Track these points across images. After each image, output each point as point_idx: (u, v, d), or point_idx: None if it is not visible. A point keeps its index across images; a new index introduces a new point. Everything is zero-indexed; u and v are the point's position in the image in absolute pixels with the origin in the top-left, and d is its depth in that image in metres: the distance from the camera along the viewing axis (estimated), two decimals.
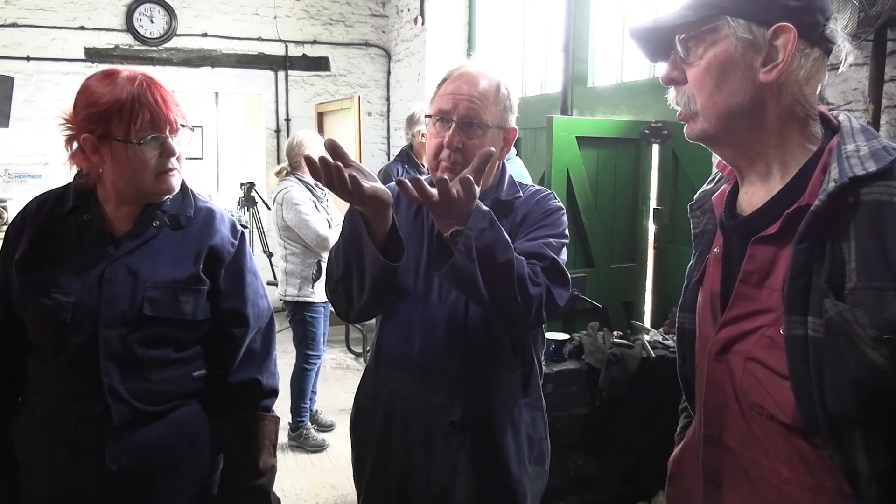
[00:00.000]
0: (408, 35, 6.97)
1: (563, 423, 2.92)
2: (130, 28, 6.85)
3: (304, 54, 7.41)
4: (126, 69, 1.55)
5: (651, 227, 4.01)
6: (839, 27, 1.05)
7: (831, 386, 0.95)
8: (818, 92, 1.08)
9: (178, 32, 7.00)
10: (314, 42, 7.44)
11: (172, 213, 1.62)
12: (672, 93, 1.14)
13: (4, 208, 5.69)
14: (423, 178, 1.74)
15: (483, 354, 1.64)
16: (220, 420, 1.65)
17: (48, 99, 6.67)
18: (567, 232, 1.69)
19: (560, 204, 1.72)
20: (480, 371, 1.64)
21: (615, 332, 3.25)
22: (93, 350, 1.49)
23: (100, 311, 1.50)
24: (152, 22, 6.90)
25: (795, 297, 0.99)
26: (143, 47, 6.91)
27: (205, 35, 7.09)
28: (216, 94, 7.78)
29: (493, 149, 1.41)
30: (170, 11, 6.93)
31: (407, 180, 1.31)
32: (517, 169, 3.52)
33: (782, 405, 1.03)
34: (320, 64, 7.48)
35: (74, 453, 1.51)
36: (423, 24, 6.49)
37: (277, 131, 7.41)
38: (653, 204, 4.02)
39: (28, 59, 6.60)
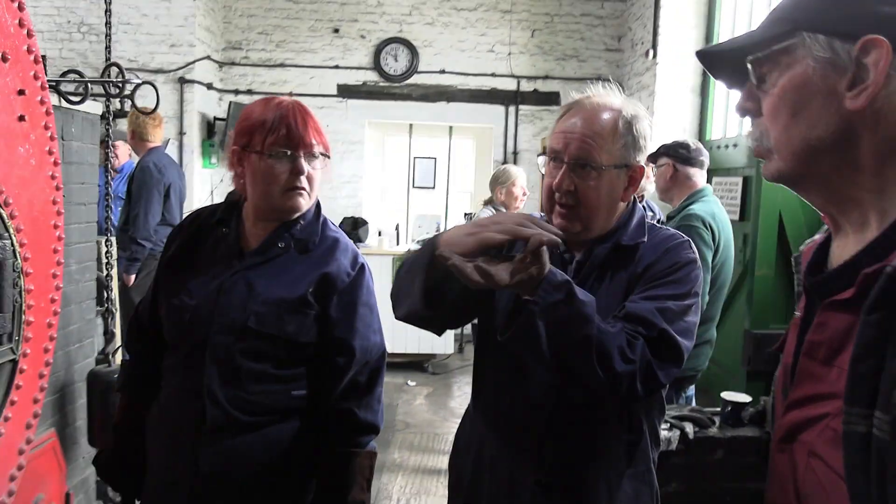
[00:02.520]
0: (640, 69, 6.76)
1: (734, 495, 2.58)
2: (377, 66, 7.43)
3: (535, 89, 7.50)
4: (285, 97, 1.67)
5: None
6: None
7: None
8: None
9: (418, 70, 7.46)
10: (546, 77, 7.50)
11: (300, 237, 1.67)
12: (749, 126, 0.94)
13: None
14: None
15: (577, 415, 1.48)
16: (316, 447, 1.66)
17: None
18: (698, 290, 1.46)
19: (694, 256, 1.49)
20: (573, 432, 1.48)
21: None
22: (202, 352, 1.59)
23: (213, 317, 1.60)
24: (396, 60, 7.43)
25: (859, 383, 0.75)
26: (386, 84, 7.46)
27: (442, 72, 7.47)
28: (450, 127, 8.13)
29: (541, 236, 1.24)
30: (412, 50, 7.42)
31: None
32: (709, 209, 3.19)
33: None
34: (550, 98, 7.52)
35: (176, 450, 1.61)
36: (654, 57, 6.25)
37: (505, 164, 7.55)
38: None
39: (291, 95, 7.41)
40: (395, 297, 1.46)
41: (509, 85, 7.50)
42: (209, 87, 7.05)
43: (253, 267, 1.65)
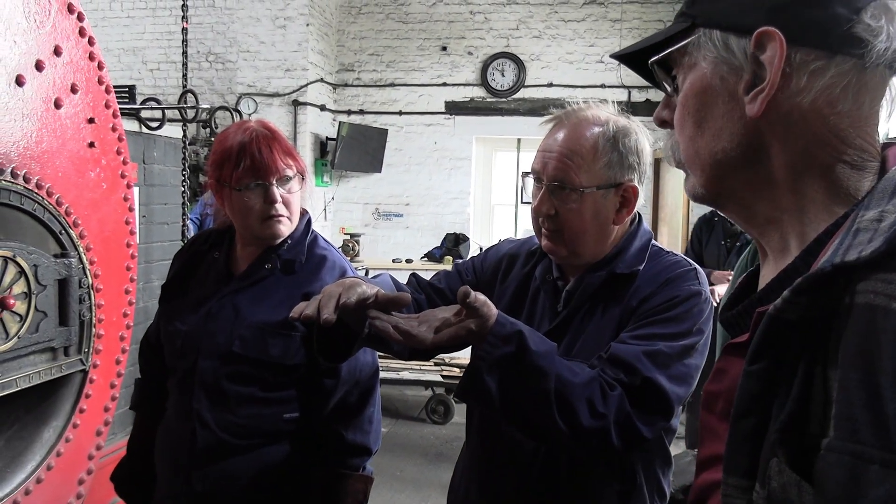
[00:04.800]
0: None
1: None
2: (484, 82, 7.45)
3: (647, 99, 7.24)
4: (253, 120, 1.68)
5: None
6: (887, 19, 0.64)
7: None
8: (877, 122, 0.67)
9: (525, 84, 7.41)
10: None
11: (287, 257, 1.67)
12: (665, 137, 0.81)
13: (357, 242, 6.56)
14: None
15: (559, 459, 1.36)
16: (308, 469, 1.64)
17: (413, 147, 7.59)
18: (703, 327, 1.30)
19: (698, 288, 1.33)
20: (557, 473, 1.36)
21: None
22: (192, 377, 1.62)
23: (202, 342, 1.62)
24: (503, 75, 7.42)
25: (738, 448, 0.62)
26: (493, 99, 7.47)
27: (550, 85, 7.38)
28: None
29: (468, 288, 1.14)
30: (519, 65, 7.38)
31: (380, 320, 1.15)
32: None
33: None
34: None
35: (174, 469, 1.65)
36: None
37: None
38: None
39: (400, 113, 7.60)
40: None
41: (620, 96, 7.28)
42: (322, 108, 7.32)
43: (240, 290, 1.65)
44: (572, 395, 1.18)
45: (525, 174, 1.46)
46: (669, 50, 0.75)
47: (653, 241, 1.45)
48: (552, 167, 1.35)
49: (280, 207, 1.62)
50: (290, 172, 1.63)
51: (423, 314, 1.19)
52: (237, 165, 1.59)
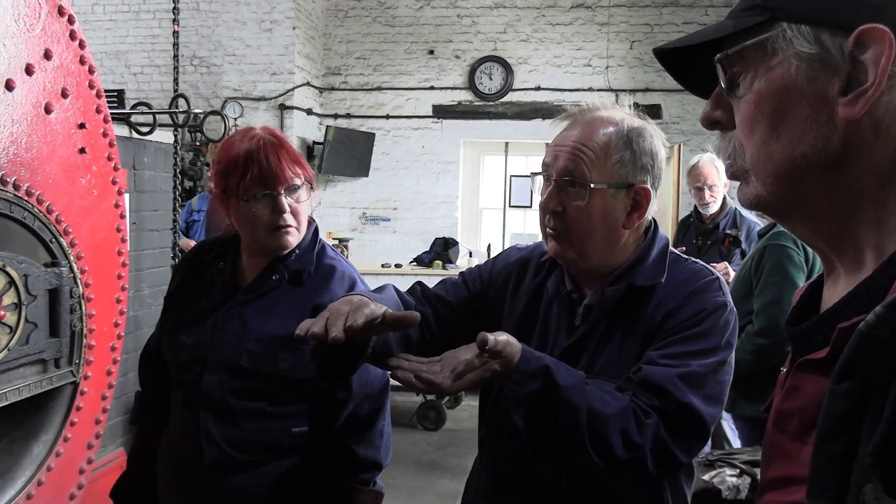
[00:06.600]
0: None
1: None
2: (472, 86, 7.43)
3: (634, 102, 7.24)
4: (259, 127, 1.63)
5: None
6: None
7: None
8: None
9: (513, 87, 7.41)
10: (646, 90, 7.26)
11: (295, 268, 1.62)
12: (716, 140, 0.76)
13: (345, 247, 6.50)
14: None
15: (584, 478, 1.31)
16: (318, 484, 1.60)
17: (400, 151, 7.56)
18: (732, 339, 1.27)
19: (724, 299, 1.29)
20: (584, 493, 1.32)
21: None
22: (197, 390, 1.58)
23: (207, 355, 1.57)
24: (490, 79, 7.41)
25: (824, 471, 0.59)
26: (481, 103, 7.45)
27: (538, 89, 7.38)
28: (545, 144, 8.00)
29: (486, 334, 1.11)
30: (507, 68, 7.37)
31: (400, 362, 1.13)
32: None
33: None
34: (652, 111, 7.25)
35: (179, 485, 1.60)
36: None
37: None
38: None
39: (387, 117, 7.56)
40: None
41: (607, 99, 7.29)
42: (309, 112, 7.27)
43: (247, 302, 1.61)
44: (605, 427, 1.14)
45: (534, 173, 1.41)
46: (745, 44, 0.69)
47: (670, 248, 1.41)
48: (563, 160, 1.30)
49: (289, 217, 1.57)
50: (298, 181, 1.59)
51: (445, 356, 1.15)
52: (244, 175, 1.54)
